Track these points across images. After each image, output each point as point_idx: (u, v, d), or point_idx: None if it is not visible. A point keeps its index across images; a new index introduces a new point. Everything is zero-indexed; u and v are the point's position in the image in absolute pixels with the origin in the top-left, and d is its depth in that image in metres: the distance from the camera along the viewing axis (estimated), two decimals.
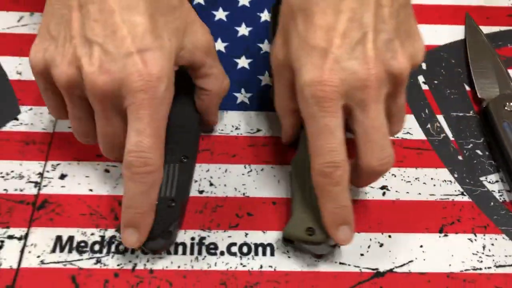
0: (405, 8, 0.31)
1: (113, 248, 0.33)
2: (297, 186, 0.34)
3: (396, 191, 0.37)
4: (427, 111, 0.41)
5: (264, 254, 0.34)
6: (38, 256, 0.33)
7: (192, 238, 0.34)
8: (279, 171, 0.37)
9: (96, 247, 0.33)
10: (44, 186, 0.36)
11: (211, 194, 0.36)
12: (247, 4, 0.46)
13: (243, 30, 0.45)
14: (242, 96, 0.41)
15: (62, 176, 0.36)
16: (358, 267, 0.34)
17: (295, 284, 0.33)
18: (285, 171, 0.37)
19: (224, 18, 0.45)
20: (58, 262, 0.33)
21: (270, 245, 0.34)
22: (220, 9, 0.46)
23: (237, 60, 0.43)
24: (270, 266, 0.33)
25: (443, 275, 0.33)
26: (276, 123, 0.39)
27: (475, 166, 0.38)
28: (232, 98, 0.41)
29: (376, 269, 0.33)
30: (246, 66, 0.43)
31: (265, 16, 0.46)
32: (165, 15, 0.31)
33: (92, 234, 0.34)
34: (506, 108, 0.39)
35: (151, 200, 0.31)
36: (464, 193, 0.37)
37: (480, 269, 0.34)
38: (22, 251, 0.33)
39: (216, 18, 0.45)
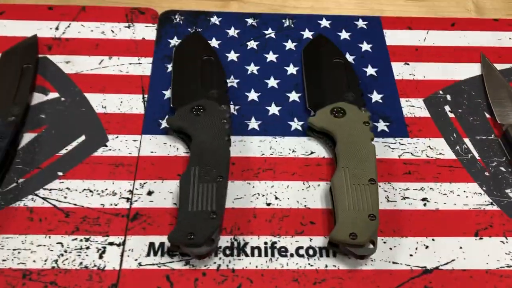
0: None
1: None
2: (339, 199, 0.40)
3: (435, 202, 0.43)
4: (454, 135, 0.47)
5: (327, 255, 0.39)
6: (136, 259, 0.39)
7: (265, 243, 0.40)
8: None
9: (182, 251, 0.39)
10: (135, 201, 0.42)
11: (277, 206, 0.42)
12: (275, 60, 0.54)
13: (271, 82, 0.52)
14: (295, 124, 0.48)
15: (149, 193, 0.42)
16: (409, 265, 0.39)
17: (357, 279, 0.38)
18: None
19: (256, 72, 0.53)
20: (153, 264, 0.38)
21: (330, 248, 0.40)
22: (252, 64, 0.53)
23: (288, 95, 0.50)
24: (334, 266, 0.39)
25: (482, 272, 0.39)
26: (325, 147, 0.46)
27: (500, 180, 0.44)
28: (288, 126, 0.47)
29: (424, 267, 0.39)
30: (297, 99, 0.49)
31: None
32: None
33: None
34: None
35: None
36: (493, 203, 0.43)
37: None
38: (122, 255, 0.39)
39: (250, 71, 0.53)
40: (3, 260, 0.38)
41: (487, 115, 0.49)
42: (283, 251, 0.40)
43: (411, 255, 0.40)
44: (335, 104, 0.46)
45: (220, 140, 0.43)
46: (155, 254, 0.39)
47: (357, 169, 0.41)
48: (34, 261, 0.38)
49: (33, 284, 0.37)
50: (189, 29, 0.55)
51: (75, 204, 0.41)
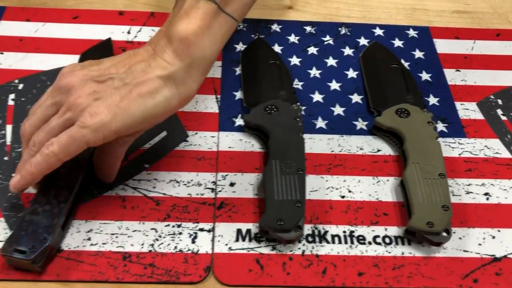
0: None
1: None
2: (413, 191, 0.43)
3: (497, 197, 0.46)
4: (509, 136, 0.51)
5: (403, 243, 0.42)
6: (226, 244, 0.41)
7: (344, 231, 0.43)
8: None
9: (269, 237, 0.42)
10: (219, 191, 0.45)
11: (351, 198, 0.45)
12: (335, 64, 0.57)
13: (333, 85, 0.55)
14: (360, 124, 0.51)
15: (232, 184, 0.45)
16: (479, 253, 0.42)
17: (432, 265, 0.41)
18: None
19: (318, 75, 0.56)
20: (242, 249, 0.41)
21: (405, 237, 0.43)
22: (314, 68, 0.57)
23: (351, 96, 0.53)
24: (410, 253, 0.42)
25: None
26: (391, 145, 0.49)
27: None
28: (353, 125, 0.51)
29: (493, 255, 0.42)
30: (359, 101, 0.53)
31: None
32: None
33: None
34: None
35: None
36: None
37: None
38: (213, 240, 0.41)
39: (312, 76, 0.56)
40: (103, 243, 0.41)
41: None
42: (361, 239, 0.42)
43: (479, 244, 0.43)
44: (399, 105, 0.50)
45: (296, 136, 0.46)
46: (243, 239, 0.42)
47: (427, 165, 0.45)
48: (131, 244, 0.41)
49: (133, 265, 0.40)
50: (252, 35, 0.58)
51: (164, 194, 0.44)
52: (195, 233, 0.42)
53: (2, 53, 0.54)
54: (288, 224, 0.40)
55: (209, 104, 0.51)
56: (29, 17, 0.57)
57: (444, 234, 0.41)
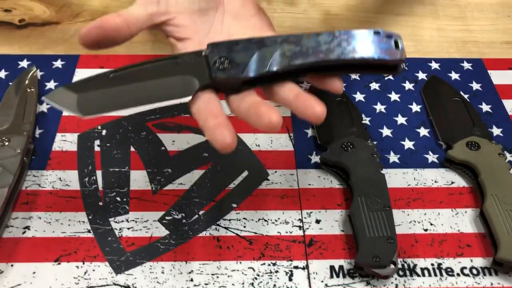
0: None
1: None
2: (497, 222, 0.45)
3: None
4: None
5: (490, 274, 0.44)
6: (322, 281, 0.43)
7: (432, 264, 0.44)
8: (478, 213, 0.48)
9: (362, 273, 0.44)
10: (307, 228, 0.46)
11: (434, 231, 0.47)
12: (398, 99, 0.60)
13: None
14: (431, 157, 0.53)
15: (317, 221, 0.47)
16: None
17: None
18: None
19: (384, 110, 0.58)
20: (338, 285, 0.43)
21: (493, 267, 0.44)
22: (379, 103, 0.59)
23: (418, 130, 0.55)
24: (499, 283, 0.43)
25: None
26: (464, 178, 0.51)
27: None
28: (424, 158, 0.53)
29: None
30: (427, 134, 0.55)
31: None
32: None
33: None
34: None
35: None
36: None
37: None
38: (308, 278, 0.43)
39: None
40: (206, 284, 0.43)
41: None
42: (449, 271, 0.44)
43: None
44: (468, 138, 0.52)
45: (377, 172, 0.48)
46: (337, 276, 0.44)
47: (504, 196, 0.46)
48: (232, 284, 0.43)
49: None
50: None
51: (255, 233, 0.46)
52: (291, 271, 0.44)
53: None
54: (384, 260, 0.42)
55: (284, 143, 0.54)
56: (102, 64, 0.60)
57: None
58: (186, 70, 0.38)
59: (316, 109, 0.36)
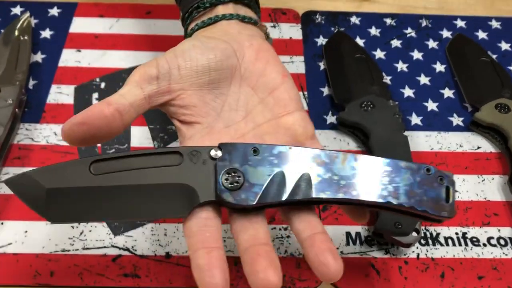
0: None
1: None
2: None
3: None
4: None
5: None
6: (337, 248, 0.40)
7: (456, 233, 0.41)
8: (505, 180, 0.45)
9: (381, 241, 0.40)
10: None
11: (458, 198, 0.43)
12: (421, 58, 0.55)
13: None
14: (456, 120, 0.49)
15: None
16: None
17: None
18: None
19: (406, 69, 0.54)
20: (355, 253, 0.40)
21: None
22: (400, 62, 0.55)
23: (442, 91, 0.51)
24: None
25: None
26: (492, 142, 0.47)
27: None
28: (449, 121, 0.49)
29: None
30: (451, 95, 0.51)
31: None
32: None
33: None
34: None
35: None
36: None
37: None
38: None
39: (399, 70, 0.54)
40: None
41: None
42: (475, 241, 0.41)
43: None
44: (497, 101, 0.48)
45: (399, 134, 0.45)
46: (354, 243, 0.40)
47: None
48: None
49: None
50: (332, 28, 0.56)
51: None
52: None
53: (79, 51, 0.52)
54: (406, 227, 0.38)
55: None
56: (102, 13, 0.56)
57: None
58: (186, 176, 0.30)
59: (330, 268, 0.28)
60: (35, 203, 0.29)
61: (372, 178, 0.30)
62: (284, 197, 0.29)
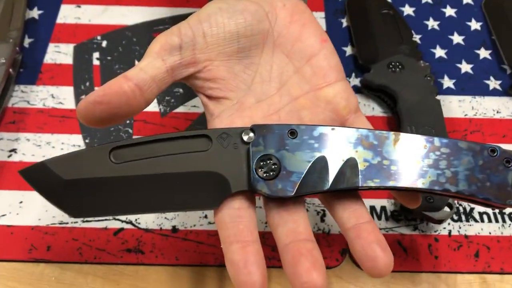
0: None
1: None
2: None
3: None
4: None
5: None
6: None
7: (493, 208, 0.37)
8: None
9: (410, 216, 0.37)
10: None
11: None
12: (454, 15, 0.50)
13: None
14: (492, 83, 0.44)
15: None
16: None
17: None
18: None
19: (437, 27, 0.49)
20: (380, 229, 0.36)
21: None
22: (431, 19, 0.50)
23: (478, 52, 0.46)
24: None
25: None
26: None
27: None
28: (485, 85, 0.44)
29: None
30: (488, 56, 0.46)
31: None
32: None
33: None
34: None
35: None
36: None
37: None
38: None
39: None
40: None
41: None
42: None
43: None
44: None
45: (430, 98, 0.40)
46: (379, 218, 0.37)
47: None
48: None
49: None
50: None
51: None
52: (323, 210, 0.37)
53: (79, 6, 0.48)
54: (438, 202, 0.35)
55: None
56: None
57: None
58: (216, 163, 0.27)
59: (379, 262, 0.25)
60: (53, 196, 0.26)
61: (427, 162, 0.26)
62: (326, 186, 0.26)
